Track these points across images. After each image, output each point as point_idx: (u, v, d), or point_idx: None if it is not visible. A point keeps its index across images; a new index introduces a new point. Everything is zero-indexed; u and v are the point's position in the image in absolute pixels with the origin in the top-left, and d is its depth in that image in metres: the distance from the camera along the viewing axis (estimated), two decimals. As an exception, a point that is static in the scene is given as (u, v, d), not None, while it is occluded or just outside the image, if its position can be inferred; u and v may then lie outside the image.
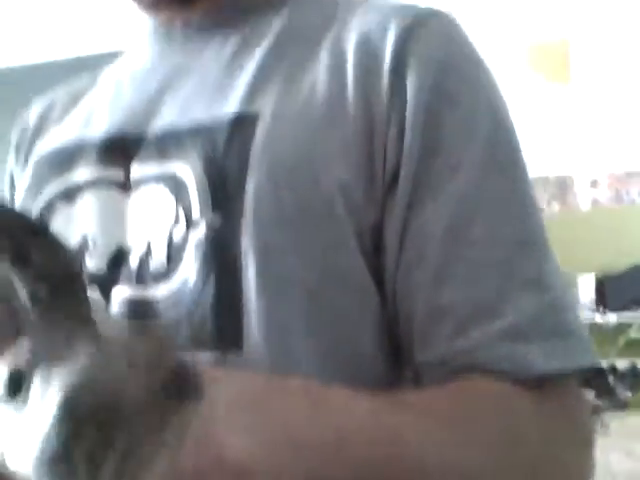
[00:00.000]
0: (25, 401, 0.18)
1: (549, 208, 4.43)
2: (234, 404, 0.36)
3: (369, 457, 0.39)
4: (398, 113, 0.48)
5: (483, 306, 0.46)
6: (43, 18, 3.86)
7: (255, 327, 0.46)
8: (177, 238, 0.49)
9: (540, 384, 0.44)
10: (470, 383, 0.44)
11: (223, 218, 0.47)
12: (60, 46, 3.83)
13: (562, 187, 4.40)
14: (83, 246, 0.52)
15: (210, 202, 0.48)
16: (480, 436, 0.42)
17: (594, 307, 3.99)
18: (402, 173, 0.47)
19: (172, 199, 0.50)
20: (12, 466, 0.18)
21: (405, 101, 0.48)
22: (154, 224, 0.50)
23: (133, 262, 0.50)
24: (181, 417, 0.19)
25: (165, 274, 0.49)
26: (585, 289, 4.14)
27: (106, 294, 0.50)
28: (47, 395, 0.17)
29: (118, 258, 0.51)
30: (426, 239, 0.47)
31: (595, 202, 4.33)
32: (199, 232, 0.48)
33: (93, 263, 0.52)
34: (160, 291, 0.49)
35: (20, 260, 0.25)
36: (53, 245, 0.26)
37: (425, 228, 0.47)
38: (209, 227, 0.47)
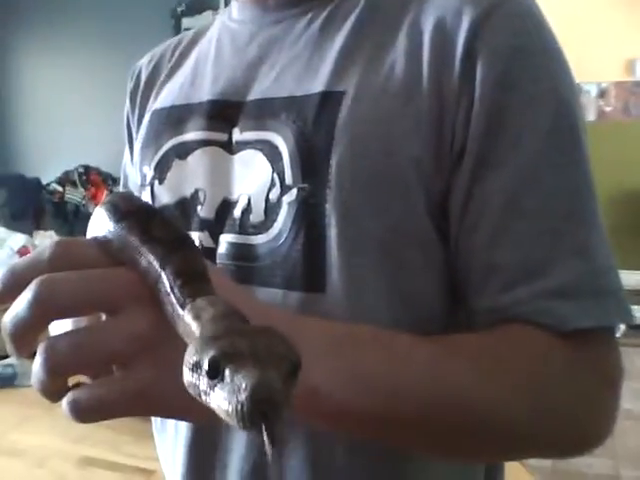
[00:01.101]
0: (219, 382, 0.28)
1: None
2: (318, 345, 0.44)
3: (426, 397, 0.47)
4: (467, 98, 0.54)
5: (530, 268, 0.53)
6: None
7: (335, 275, 0.55)
8: (273, 198, 0.58)
9: (576, 338, 0.51)
10: (513, 333, 0.52)
11: (311, 185, 0.56)
12: None
13: None
14: (195, 197, 0.63)
15: (300, 171, 0.57)
16: (517, 378, 0.50)
17: None
18: (467, 149, 0.54)
19: (268, 165, 0.59)
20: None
21: (474, 87, 0.54)
22: (253, 183, 0.60)
23: (236, 213, 0.60)
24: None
25: (263, 226, 0.59)
26: None
27: (214, 238, 0.61)
28: (236, 381, 0.27)
29: (224, 208, 0.61)
30: (484, 207, 0.54)
31: None
32: (291, 195, 0.57)
33: (204, 212, 0.62)
34: (259, 239, 0.59)
35: (165, 263, 0.36)
36: (192, 251, 0.38)
37: (484, 198, 0.54)
38: (299, 192, 0.56)
